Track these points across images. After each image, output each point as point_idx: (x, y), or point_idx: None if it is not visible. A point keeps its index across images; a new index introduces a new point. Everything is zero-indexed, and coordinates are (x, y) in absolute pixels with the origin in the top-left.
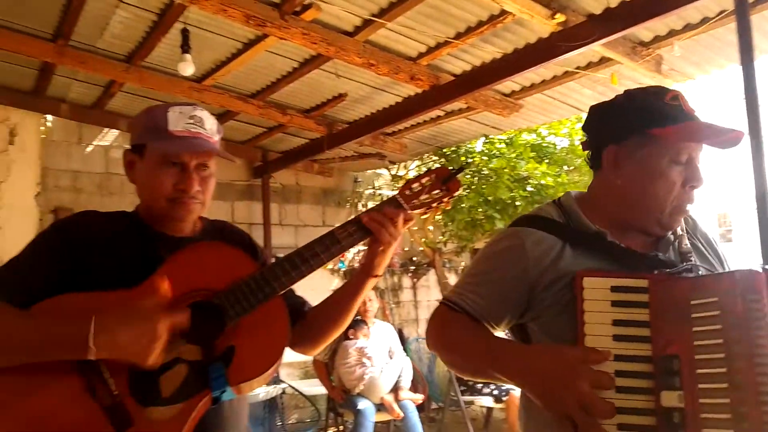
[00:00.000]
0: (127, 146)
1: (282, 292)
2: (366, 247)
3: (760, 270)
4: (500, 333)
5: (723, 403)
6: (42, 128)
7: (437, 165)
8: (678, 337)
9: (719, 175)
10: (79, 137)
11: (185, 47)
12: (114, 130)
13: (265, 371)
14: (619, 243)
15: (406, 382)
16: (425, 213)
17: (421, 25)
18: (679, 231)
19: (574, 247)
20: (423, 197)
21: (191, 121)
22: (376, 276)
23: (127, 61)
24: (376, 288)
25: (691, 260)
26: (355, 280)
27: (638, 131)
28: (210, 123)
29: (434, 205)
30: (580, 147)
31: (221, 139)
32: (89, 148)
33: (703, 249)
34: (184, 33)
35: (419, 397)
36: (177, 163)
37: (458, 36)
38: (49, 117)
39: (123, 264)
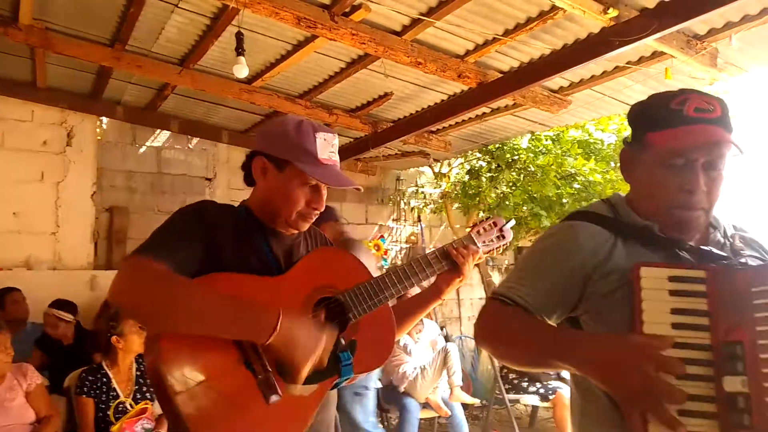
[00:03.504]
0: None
1: (391, 299)
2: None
3: None
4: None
5: None
6: (98, 130)
7: (482, 164)
8: (740, 324)
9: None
10: (132, 138)
11: (240, 50)
12: (166, 131)
13: (379, 365)
14: (668, 237)
15: (458, 378)
16: (488, 253)
17: (469, 23)
18: (729, 231)
19: (625, 241)
20: (486, 239)
21: (332, 149)
22: (442, 299)
23: (180, 64)
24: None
25: (744, 255)
26: (423, 298)
27: (639, 136)
28: (337, 149)
29: (494, 248)
30: None
31: None
32: (142, 149)
33: (751, 252)
34: (239, 36)
35: (472, 401)
36: (315, 185)
37: (507, 33)
38: (104, 119)
39: (244, 251)
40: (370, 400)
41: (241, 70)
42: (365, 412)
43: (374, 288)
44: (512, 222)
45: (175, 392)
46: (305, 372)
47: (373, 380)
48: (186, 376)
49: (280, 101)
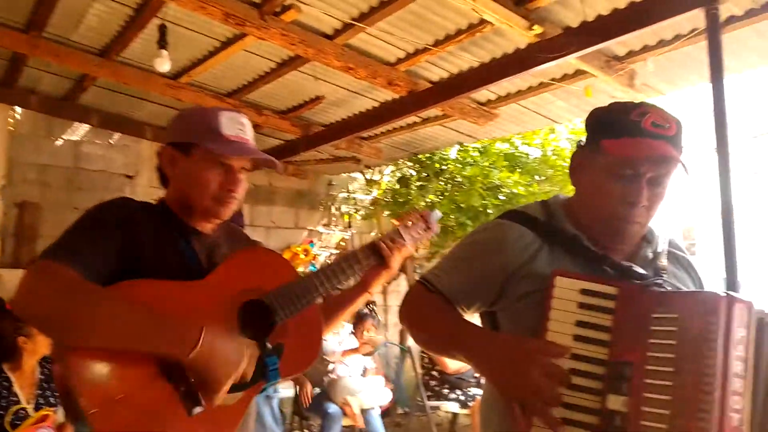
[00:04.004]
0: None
1: (319, 299)
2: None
3: (723, 295)
4: (471, 317)
5: (663, 414)
6: (10, 120)
7: (412, 172)
8: (635, 346)
9: (685, 190)
10: (48, 131)
11: (162, 43)
12: (85, 125)
13: (307, 367)
14: (594, 248)
15: (371, 401)
16: (414, 247)
17: (400, 31)
18: (659, 249)
19: (551, 247)
20: (414, 233)
21: (241, 127)
22: (369, 293)
23: (102, 55)
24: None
25: (662, 276)
26: (351, 294)
27: (593, 140)
28: (250, 130)
29: (421, 241)
30: (552, 157)
31: None
32: (58, 142)
33: (679, 273)
34: (162, 29)
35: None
36: (224, 164)
37: (437, 43)
38: (18, 109)
39: (165, 252)
40: (276, 402)
41: (163, 64)
42: (274, 415)
43: (301, 288)
44: (438, 214)
45: (89, 409)
46: (226, 389)
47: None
48: (100, 390)
49: (207, 99)
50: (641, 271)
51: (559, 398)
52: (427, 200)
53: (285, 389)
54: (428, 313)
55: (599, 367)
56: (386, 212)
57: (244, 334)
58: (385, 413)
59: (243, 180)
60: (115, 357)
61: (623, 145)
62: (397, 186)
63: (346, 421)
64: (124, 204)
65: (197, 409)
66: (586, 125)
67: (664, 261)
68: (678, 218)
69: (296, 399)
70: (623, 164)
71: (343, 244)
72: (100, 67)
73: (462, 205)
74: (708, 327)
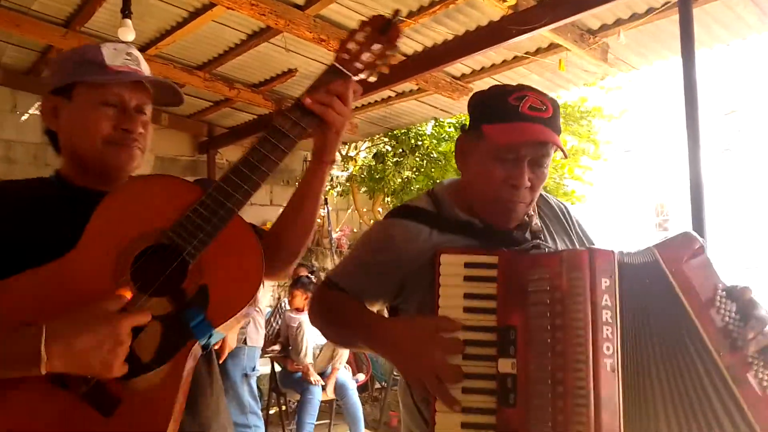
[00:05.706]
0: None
1: (239, 209)
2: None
3: (585, 249)
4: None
5: (545, 371)
6: None
7: (388, 148)
8: (517, 309)
9: (657, 167)
10: (13, 105)
11: (126, 12)
12: None
13: (250, 299)
14: (478, 223)
15: (339, 363)
16: (371, 75)
17: (373, 2)
18: (531, 212)
19: (441, 232)
20: (364, 57)
21: (128, 58)
22: (332, 161)
23: (66, 26)
24: (322, 268)
25: (539, 238)
26: (311, 172)
27: (475, 125)
28: (145, 65)
29: (379, 63)
30: None
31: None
32: (24, 117)
33: (552, 225)
34: None
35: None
36: (115, 104)
37: (410, 15)
38: None
39: (53, 233)
40: (254, 381)
41: (127, 34)
42: (252, 393)
43: (209, 206)
44: (396, 15)
45: None
46: (119, 368)
47: (257, 360)
48: None
49: (176, 71)
50: (519, 236)
51: (460, 375)
52: (403, 176)
53: (262, 366)
54: (332, 306)
55: (490, 335)
56: (363, 189)
57: (146, 296)
58: (363, 388)
59: (144, 119)
60: None
61: (502, 130)
62: (373, 162)
63: (324, 396)
64: None
65: (114, 406)
66: (469, 109)
67: (536, 221)
68: (651, 194)
69: (273, 375)
70: (503, 149)
71: (318, 221)
72: (65, 38)
73: (438, 181)
74: (574, 283)
